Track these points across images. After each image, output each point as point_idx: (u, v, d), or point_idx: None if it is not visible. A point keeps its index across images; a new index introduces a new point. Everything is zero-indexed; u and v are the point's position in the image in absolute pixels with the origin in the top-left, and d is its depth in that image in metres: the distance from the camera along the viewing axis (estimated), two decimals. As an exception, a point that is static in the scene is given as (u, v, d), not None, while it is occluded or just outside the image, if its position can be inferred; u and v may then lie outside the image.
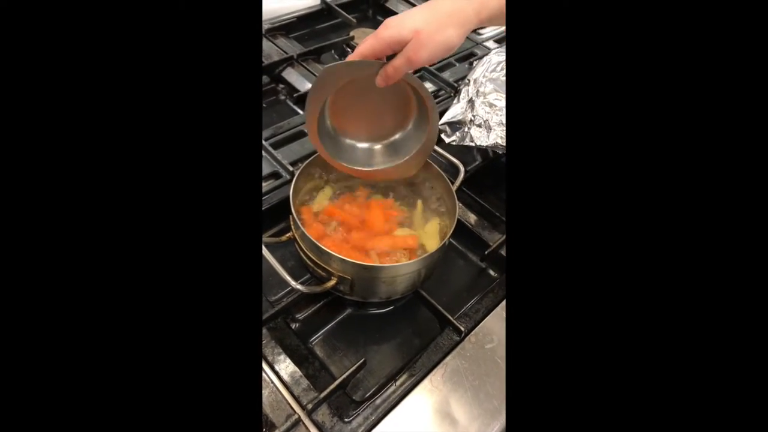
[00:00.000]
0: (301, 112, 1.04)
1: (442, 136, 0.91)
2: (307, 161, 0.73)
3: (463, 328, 0.68)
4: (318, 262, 0.63)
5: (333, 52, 1.24)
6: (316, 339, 0.70)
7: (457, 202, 0.71)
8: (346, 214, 0.73)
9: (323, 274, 0.64)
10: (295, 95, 1.04)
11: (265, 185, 0.83)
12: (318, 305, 0.72)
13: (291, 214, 0.66)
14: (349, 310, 0.74)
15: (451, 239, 0.70)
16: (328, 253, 0.61)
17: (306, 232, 0.63)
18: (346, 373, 0.62)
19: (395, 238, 0.71)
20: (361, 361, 0.63)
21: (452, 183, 0.74)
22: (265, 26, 1.19)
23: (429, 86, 1.12)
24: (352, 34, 1.24)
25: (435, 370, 0.65)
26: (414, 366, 0.65)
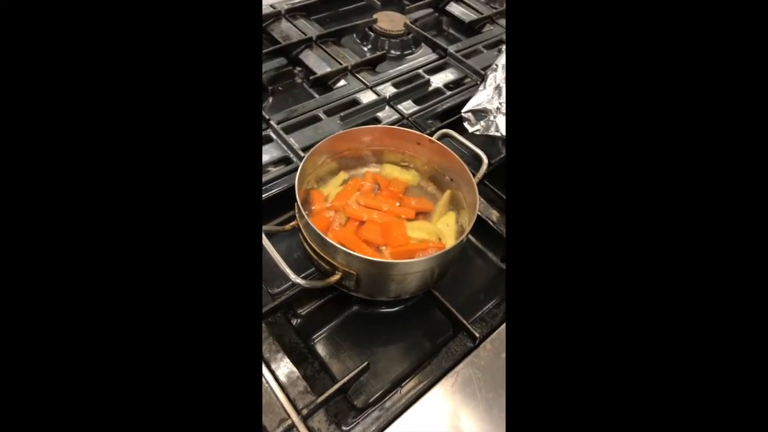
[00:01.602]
0: (316, 95, 0.99)
1: (466, 125, 0.85)
2: (317, 145, 0.67)
3: (477, 334, 0.62)
4: (321, 254, 0.58)
5: (354, 35, 1.18)
6: (318, 337, 0.65)
7: (477, 196, 0.65)
8: (356, 210, 0.68)
9: (327, 267, 0.59)
10: (311, 78, 0.99)
11: (275, 171, 0.79)
12: (322, 300, 0.67)
13: (296, 201, 0.61)
14: (355, 307, 0.69)
15: (470, 235, 0.64)
16: (333, 245, 0.55)
17: (310, 222, 0.58)
18: (348, 377, 0.57)
19: (411, 246, 0.65)
20: (365, 364, 0.58)
21: (474, 175, 0.68)
22: (285, 6, 1.15)
23: (455, 73, 1.05)
24: (375, 17, 1.18)
25: (445, 378, 0.59)
26: (422, 372, 0.60)
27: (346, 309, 0.68)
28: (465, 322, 0.63)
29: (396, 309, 0.69)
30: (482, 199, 0.80)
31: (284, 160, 0.82)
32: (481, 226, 0.76)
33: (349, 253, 0.55)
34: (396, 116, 0.93)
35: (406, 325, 0.68)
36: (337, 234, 0.64)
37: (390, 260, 0.59)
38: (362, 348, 0.65)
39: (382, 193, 0.71)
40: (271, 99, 1.00)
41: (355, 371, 0.57)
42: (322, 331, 0.66)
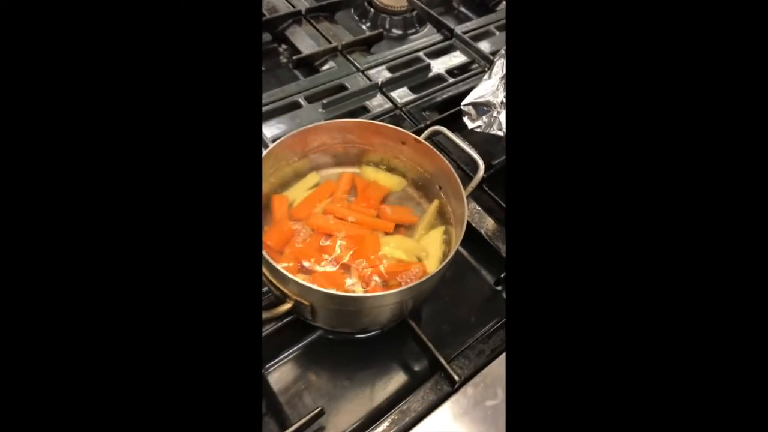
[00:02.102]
0: (301, 77, 0.88)
1: (465, 119, 0.73)
2: (280, 140, 0.57)
3: (457, 377, 0.52)
4: (270, 278, 0.48)
5: (352, 11, 1.06)
6: (272, 367, 0.56)
7: (466, 210, 0.54)
8: (322, 221, 0.58)
9: (278, 293, 0.49)
10: (295, 58, 0.88)
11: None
12: (280, 324, 0.57)
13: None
14: (320, 332, 0.59)
15: (461, 249, 0.54)
16: (281, 272, 0.46)
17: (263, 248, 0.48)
18: (296, 425, 0.48)
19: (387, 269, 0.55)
20: (317, 410, 0.49)
21: (467, 183, 0.57)
22: (275, -25, 1.03)
23: (460, 57, 0.93)
24: (376, -11, 1.05)
25: (416, 427, 0.50)
26: (389, 418, 0.50)
27: (309, 333, 0.59)
28: (443, 361, 0.53)
29: (368, 335, 0.60)
30: (478, 208, 0.69)
31: (254, 153, 0.72)
32: (474, 238, 0.66)
33: (300, 284, 0.45)
34: (388, 105, 0.82)
35: (379, 354, 0.58)
36: (297, 251, 0.55)
37: (349, 294, 0.49)
38: (326, 380, 0.55)
39: (357, 200, 0.61)
40: (250, 80, 0.89)
41: (306, 418, 0.48)
42: (279, 359, 0.57)
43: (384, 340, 0.59)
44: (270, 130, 0.74)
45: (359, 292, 0.53)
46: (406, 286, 0.47)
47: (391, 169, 0.65)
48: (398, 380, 0.56)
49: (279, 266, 0.45)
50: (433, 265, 0.56)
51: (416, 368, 0.57)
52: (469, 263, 0.67)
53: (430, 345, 0.54)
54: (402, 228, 0.60)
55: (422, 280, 0.47)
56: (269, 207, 0.59)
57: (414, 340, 0.57)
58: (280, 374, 0.56)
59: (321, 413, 0.49)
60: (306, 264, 0.54)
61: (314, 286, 0.45)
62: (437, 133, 0.64)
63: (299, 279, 0.45)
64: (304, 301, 0.47)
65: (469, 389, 0.53)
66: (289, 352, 0.57)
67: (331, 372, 0.56)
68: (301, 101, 0.79)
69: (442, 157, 0.58)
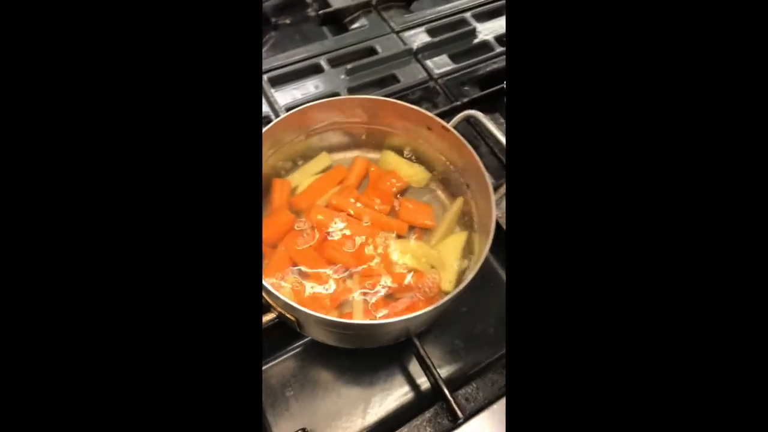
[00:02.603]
0: (329, 35, 0.78)
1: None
2: (281, 118, 0.49)
3: (461, 414, 0.45)
4: None
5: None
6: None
7: (494, 215, 0.45)
8: (324, 215, 0.50)
9: (263, 301, 0.43)
10: (321, 12, 0.78)
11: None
12: (268, 325, 0.51)
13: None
14: (310, 338, 0.53)
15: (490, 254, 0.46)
16: (265, 287, 0.39)
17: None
18: (273, 449, 0.43)
19: (396, 275, 0.47)
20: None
21: (496, 189, 0.48)
22: None
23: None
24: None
25: (409, 463, 0.45)
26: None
27: (299, 337, 0.53)
28: (446, 391, 0.46)
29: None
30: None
31: (264, 120, 0.64)
32: (501, 240, 0.57)
33: (286, 302, 0.39)
34: (422, 76, 0.71)
35: (375, 368, 0.52)
36: (291, 249, 0.48)
37: (341, 320, 0.41)
38: (314, 390, 0.50)
39: (367, 191, 0.53)
40: (272, 35, 0.80)
41: (285, 441, 0.43)
42: (266, 363, 0.51)
43: (383, 352, 0.53)
44: (284, 96, 0.65)
45: (359, 303, 0.46)
46: (412, 315, 0.39)
47: (416, 158, 0.56)
48: (395, 400, 0.50)
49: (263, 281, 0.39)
50: (448, 279, 0.48)
51: (417, 389, 0.51)
52: (493, 268, 0.59)
53: (435, 370, 0.47)
54: (418, 230, 0.52)
55: (431, 308, 0.39)
56: (269, 191, 0.52)
57: (417, 359, 0.50)
58: (265, 382, 0.50)
59: (302, 436, 0.44)
60: (300, 267, 0.47)
61: (302, 308, 0.38)
62: (469, 118, 0.54)
63: (284, 297, 0.38)
64: (289, 316, 0.41)
65: (473, 424, 0.46)
66: (275, 357, 0.52)
67: (320, 383, 0.50)
68: (324, 64, 0.70)
69: (473, 150, 0.49)
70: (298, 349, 0.52)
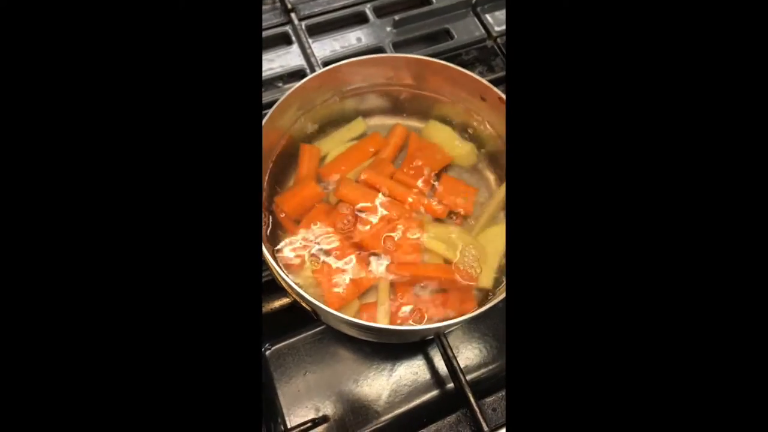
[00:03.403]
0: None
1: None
2: (309, 77, 0.43)
3: (486, 427, 0.41)
4: (271, 264, 0.37)
5: None
6: (274, 346, 0.48)
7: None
8: (353, 192, 0.44)
9: (279, 280, 0.39)
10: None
11: (286, 88, 0.56)
12: (290, 300, 0.47)
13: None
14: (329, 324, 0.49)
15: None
16: (278, 271, 0.34)
17: (273, 205, 0.37)
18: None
19: (420, 267, 0.42)
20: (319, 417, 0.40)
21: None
22: None
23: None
24: None
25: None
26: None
27: (318, 322, 0.49)
28: (472, 398, 0.42)
29: (391, 333, 0.49)
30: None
31: (298, 74, 0.58)
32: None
33: (304, 297, 0.34)
34: (479, 33, 0.63)
35: (397, 356, 0.48)
36: (316, 231, 0.43)
37: (361, 322, 0.36)
38: (330, 376, 0.47)
39: (403, 166, 0.47)
40: (316, -25, 0.72)
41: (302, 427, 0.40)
42: (282, 340, 0.48)
43: (406, 346, 0.48)
44: (322, 47, 0.59)
45: (384, 292, 0.41)
46: (443, 324, 0.34)
47: (465, 132, 0.49)
48: (416, 396, 0.46)
49: (278, 268, 0.34)
50: (487, 276, 0.42)
51: (441, 387, 0.47)
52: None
53: (461, 374, 0.42)
54: (458, 216, 0.46)
55: (465, 317, 0.34)
56: (296, 158, 0.46)
57: (443, 359, 0.45)
58: (277, 356, 0.47)
59: (323, 420, 0.41)
60: (324, 246, 0.43)
61: (319, 304, 0.33)
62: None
63: (301, 291, 0.34)
64: (304, 305, 0.37)
65: (498, 437, 0.42)
66: (289, 336, 0.48)
67: (338, 369, 0.47)
68: (369, 14, 0.62)
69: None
70: (316, 329, 0.48)
